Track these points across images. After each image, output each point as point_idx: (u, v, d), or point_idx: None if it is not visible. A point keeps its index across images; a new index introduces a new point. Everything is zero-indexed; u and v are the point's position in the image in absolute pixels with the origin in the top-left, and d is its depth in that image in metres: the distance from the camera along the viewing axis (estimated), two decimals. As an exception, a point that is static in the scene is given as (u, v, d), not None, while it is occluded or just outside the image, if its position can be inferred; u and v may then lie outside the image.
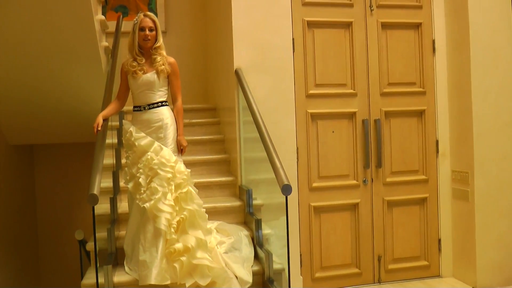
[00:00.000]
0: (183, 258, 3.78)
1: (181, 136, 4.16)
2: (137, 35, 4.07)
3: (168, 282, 3.77)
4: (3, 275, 6.23)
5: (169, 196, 3.87)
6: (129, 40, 4.15)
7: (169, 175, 3.91)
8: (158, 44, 4.12)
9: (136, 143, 4.00)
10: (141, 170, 3.97)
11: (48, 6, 4.24)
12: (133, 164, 4.06)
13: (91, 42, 4.83)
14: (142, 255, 3.81)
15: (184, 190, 3.94)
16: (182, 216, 3.87)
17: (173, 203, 3.86)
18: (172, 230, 3.82)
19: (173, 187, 3.91)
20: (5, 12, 4.18)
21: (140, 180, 3.96)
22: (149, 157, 3.94)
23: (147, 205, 3.83)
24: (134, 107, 4.16)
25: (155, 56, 4.10)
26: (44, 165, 7.87)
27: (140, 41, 4.08)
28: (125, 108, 4.42)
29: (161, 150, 3.97)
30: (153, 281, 3.70)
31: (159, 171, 3.89)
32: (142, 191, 3.94)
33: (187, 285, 3.77)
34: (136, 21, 4.08)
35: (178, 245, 3.80)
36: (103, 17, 5.17)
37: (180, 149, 4.15)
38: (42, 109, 5.95)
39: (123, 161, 4.30)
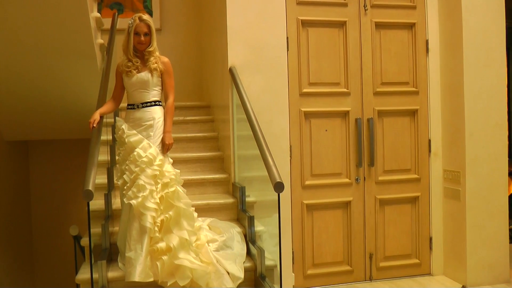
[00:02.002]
0: (165, 257, 3.80)
1: (166, 134, 4.13)
2: (132, 38, 4.10)
3: (151, 279, 3.79)
4: (-3, 270, 6.27)
5: (154, 194, 3.88)
6: (123, 41, 4.17)
7: (157, 173, 3.92)
8: (151, 49, 4.13)
9: (126, 140, 4.02)
10: (127, 167, 3.99)
11: (44, 3, 4.26)
12: (123, 161, 4.07)
13: (87, 39, 4.84)
14: (128, 252, 3.83)
15: (172, 189, 3.93)
16: (167, 215, 3.87)
17: (158, 202, 3.88)
18: (156, 228, 3.84)
19: (159, 185, 3.92)
20: (1, 8, 4.19)
21: (124, 176, 3.99)
22: (135, 153, 3.94)
23: (133, 202, 3.84)
24: (128, 105, 4.19)
25: (148, 56, 4.13)
26: (39, 161, 7.88)
27: (135, 43, 4.11)
28: (120, 105, 4.43)
29: (149, 147, 3.97)
30: (137, 278, 3.73)
31: (146, 168, 3.91)
32: (125, 188, 3.97)
33: (168, 284, 3.81)
34: (131, 24, 4.08)
35: (161, 244, 3.82)
36: (98, 15, 5.18)
37: (163, 146, 4.12)
38: (37, 105, 5.96)
39: (117, 158, 4.33)
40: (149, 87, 4.11)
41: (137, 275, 3.73)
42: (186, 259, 3.82)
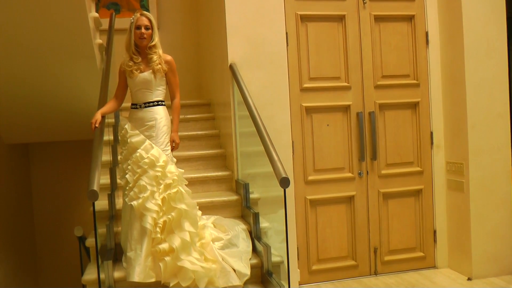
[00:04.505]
0: (167, 258, 3.78)
1: (174, 133, 4.17)
2: (133, 34, 4.08)
3: (153, 280, 3.77)
4: (1, 273, 6.23)
5: (156, 195, 3.86)
6: (126, 39, 4.15)
7: (158, 174, 3.90)
8: (152, 43, 4.11)
9: (128, 140, 4.00)
10: (129, 167, 3.98)
11: (42, 3, 4.23)
12: (125, 161, 4.06)
13: (85, 40, 4.82)
14: (129, 251, 3.83)
15: (174, 190, 3.90)
16: (169, 216, 3.84)
17: (160, 203, 3.85)
18: (158, 229, 3.81)
19: (162, 186, 3.89)
20: (-1, 10, 4.18)
21: (127, 176, 3.98)
22: (138, 154, 3.93)
23: (134, 203, 3.83)
24: (132, 104, 4.17)
25: (151, 55, 4.10)
26: (40, 163, 7.87)
27: (136, 39, 4.08)
28: (123, 104, 4.41)
29: (151, 148, 3.96)
30: (135, 278, 3.72)
31: (148, 169, 3.89)
32: (127, 188, 3.97)
33: (171, 284, 3.79)
34: (132, 20, 4.09)
35: (164, 245, 3.79)
36: (96, 15, 5.17)
37: (172, 146, 4.14)
38: (37, 107, 5.94)
39: (120, 157, 4.31)
40: (152, 87, 4.10)
41: (136, 276, 3.73)
42: (188, 260, 3.79)
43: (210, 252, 3.98)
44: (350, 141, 5.59)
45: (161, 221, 3.83)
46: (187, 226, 3.88)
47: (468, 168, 5.43)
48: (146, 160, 3.89)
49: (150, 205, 3.81)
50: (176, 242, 3.80)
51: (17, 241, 7.04)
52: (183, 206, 3.89)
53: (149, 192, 3.84)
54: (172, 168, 3.98)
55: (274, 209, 4.41)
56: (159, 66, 4.08)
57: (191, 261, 3.79)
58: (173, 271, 3.80)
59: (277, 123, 5.12)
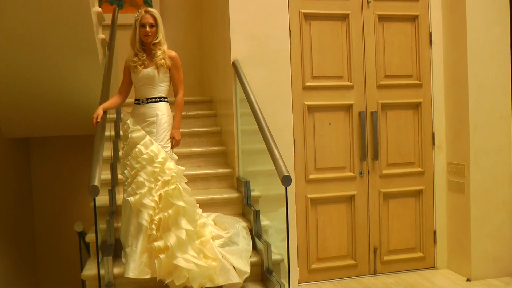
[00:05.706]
0: (162, 256, 3.76)
1: (175, 130, 4.16)
2: (138, 31, 4.08)
3: (147, 276, 3.76)
4: (0, 268, 6.23)
5: (153, 192, 3.84)
6: (131, 35, 4.15)
7: (156, 170, 3.88)
8: (157, 41, 4.10)
9: (129, 136, 4.00)
10: (128, 162, 3.98)
11: (46, -2, 4.24)
12: (126, 156, 4.06)
13: (88, 34, 4.81)
14: (127, 247, 3.84)
15: (172, 187, 3.88)
16: (165, 214, 3.82)
17: (156, 200, 3.84)
18: (153, 226, 3.80)
19: (159, 183, 3.87)
20: (2, 4, 4.16)
21: (125, 171, 3.99)
22: (137, 150, 3.92)
23: (131, 199, 3.83)
24: (135, 100, 4.17)
25: (155, 51, 4.09)
26: (41, 158, 7.85)
27: (141, 36, 4.08)
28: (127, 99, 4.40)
29: (151, 144, 3.94)
30: (130, 274, 3.71)
31: (147, 165, 3.88)
32: (126, 183, 3.97)
33: (166, 282, 3.79)
34: (137, 17, 4.08)
35: (159, 243, 3.78)
36: (99, 9, 5.15)
37: (172, 142, 4.13)
38: (39, 101, 5.93)
39: (121, 153, 4.30)
40: (155, 83, 4.09)
41: (130, 271, 3.72)
42: (183, 258, 3.77)
43: (210, 250, 3.97)
44: (351, 140, 5.59)
45: (157, 218, 3.82)
46: (184, 223, 3.85)
47: (469, 170, 5.42)
48: (145, 156, 3.89)
49: (147, 201, 3.80)
50: (172, 240, 3.77)
51: (16, 236, 7.03)
52: (180, 203, 3.87)
53: (147, 188, 3.83)
54: (171, 165, 3.97)
55: (275, 207, 4.40)
56: (163, 61, 4.07)
57: (186, 259, 3.77)
58: (168, 268, 3.78)
59: (279, 121, 5.10)
